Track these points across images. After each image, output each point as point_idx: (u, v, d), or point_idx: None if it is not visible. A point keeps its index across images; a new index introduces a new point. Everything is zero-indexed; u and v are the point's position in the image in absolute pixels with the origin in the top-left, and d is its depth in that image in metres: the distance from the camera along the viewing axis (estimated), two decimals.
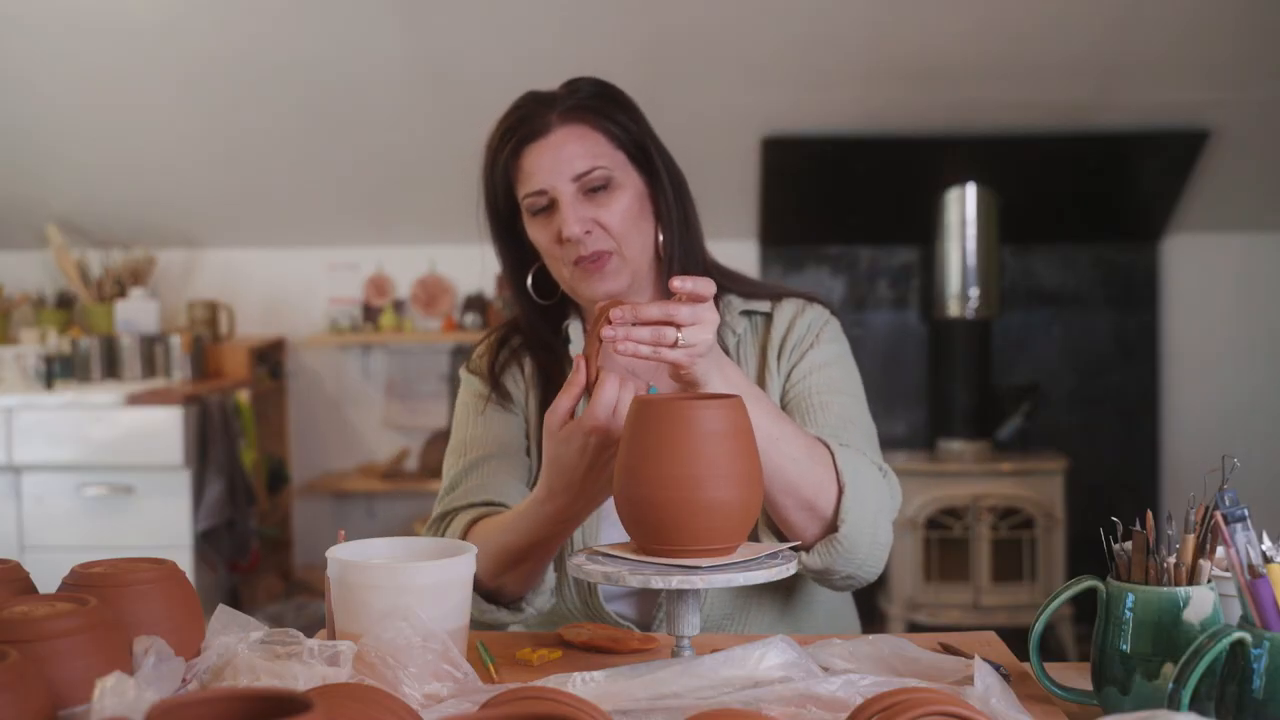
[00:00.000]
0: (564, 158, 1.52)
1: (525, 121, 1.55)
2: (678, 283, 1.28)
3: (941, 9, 3.73)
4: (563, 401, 1.36)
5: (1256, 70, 3.92)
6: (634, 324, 1.28)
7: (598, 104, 1.56)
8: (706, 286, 1.29)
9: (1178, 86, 4.00)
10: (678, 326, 1.27)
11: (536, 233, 1.56)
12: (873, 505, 1.45)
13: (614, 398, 1.34)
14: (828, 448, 1.44)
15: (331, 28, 3.82)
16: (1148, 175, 4.38)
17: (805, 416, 1.55)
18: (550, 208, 1.54)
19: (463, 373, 1.72)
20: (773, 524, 1.48)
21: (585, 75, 1.60)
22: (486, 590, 1.51)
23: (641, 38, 3.78)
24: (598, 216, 1.52)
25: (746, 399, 1.32)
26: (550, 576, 1.54)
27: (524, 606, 1.53)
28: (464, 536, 1.52)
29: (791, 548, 1.33)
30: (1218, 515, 1.05)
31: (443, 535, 1.56)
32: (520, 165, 1.55)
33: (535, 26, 3.78)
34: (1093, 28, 3.80)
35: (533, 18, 3.75)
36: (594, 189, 1.53)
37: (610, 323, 1.29)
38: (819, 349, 1.61)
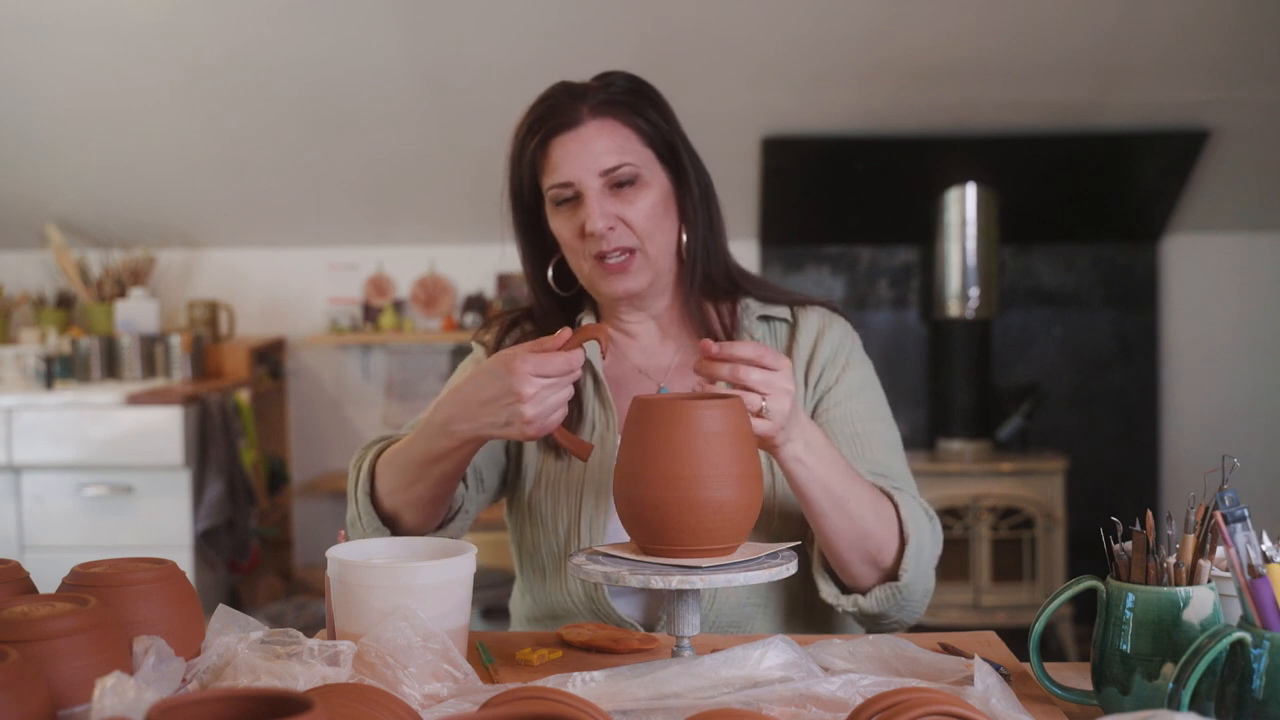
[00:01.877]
0: (593, 152, 1.52)
1: (556, 112, 1.54)
2: (735, 349, 1.30)
3: (941, 9, 3.73)
4: (524, 346, 1.37)
5: (1256, 70, 3.92)
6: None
7: (630, 99, 1.55)
8: (776, 360, 1.30)
9: (1178, 86, 4.00)
10: (761, 395, 1.29)
11: (559, 225, 1.56)
12: (928, 555, 1.49)
13: (558, 368, 1.34)
14: (891, 500, 1.47)
15: (330, 28, 3.82)
16: (1147, 175, 4.38)
17: (851, 445, 1.56)
18: (575, 200, 1.53)
19: (472, 341, 1.73)
20: (828, 568, 1.50)
21: (618, 70, 1.60)
22: (385, 514, 1.52)
23: (641, 38, 3.78)
24: (622, 213, 1.52)
25: (824, 463, 1.36)
26: (455, 525, 1.56)
27: None
28: (376, 459, 1.54)
29: (841, 587, 1.39)
30: (1218, 515, 1.05)
31: (362, 461, 1.56)
32: (548, 155, 1.54)
33: (533, 27, 3.78)
34: (1093, 28, 3.80)
35: (530, 19, 3.75)
36: (620, 184, 1.52)
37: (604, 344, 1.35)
38: (853, 371, 1.61)
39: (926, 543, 1.48)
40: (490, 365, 1.38)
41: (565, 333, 1.37)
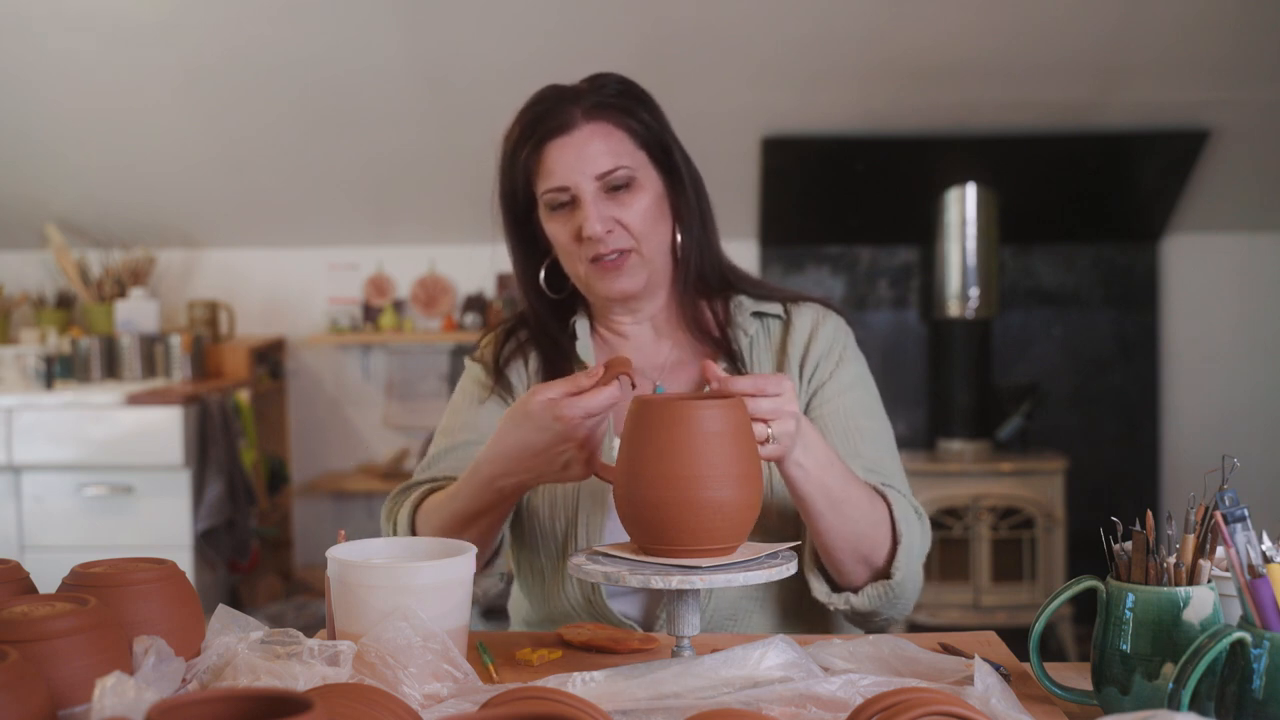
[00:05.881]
0: (588, 155, 1.52)
1: (548, 116, 1.54)
2: (748, 384, 1.28)
3: (941, 9, 3.73)
4: (557, 386, 1.35)
5: (1256, 70, 3.92)
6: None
7: (622, 101, 1.56)
8: (777, 385, 1.29)
9: (1178, 86, 4.00)
10: (765, 422, 1.28)
11: (555, 229, 1.56)
12: (918, 554, 1.50)
13: (604, 404, 1.33)
14: (885, 500, 1.47)
15: (330, 28, 3.82)
16: (1147, 175, 4.38)
17: (845, 441, 1.56)
18: (571, 204, 1.54)
19: (467, 360, 1.72)
20: (820, 565, 1.50)
21: (608, 71, 1.60)
22: None
23: (641, 38, 3.78)
24: (619, 216, 1.52)
25: (821, 466, 1.36)
26: (500, 561, 1.55)
27: None
28: (416, 509, 1.54)
29: (832, 585, 1.39)
30: (1218, 515, 1.05)
31: (399, 507, 1.56)
32: (542, 160, 1.54)
33: (533, 27, 3.78)
34: (1093, 28, 3.80)
35: (530, 19, 3.75)
36: (615, 187, 1.53)
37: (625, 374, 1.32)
38: (847, 367, 1.61)
39: (916, 541, 1.50)
40: (534, 417, 1.35)
41: (598, 370, 1.35)
